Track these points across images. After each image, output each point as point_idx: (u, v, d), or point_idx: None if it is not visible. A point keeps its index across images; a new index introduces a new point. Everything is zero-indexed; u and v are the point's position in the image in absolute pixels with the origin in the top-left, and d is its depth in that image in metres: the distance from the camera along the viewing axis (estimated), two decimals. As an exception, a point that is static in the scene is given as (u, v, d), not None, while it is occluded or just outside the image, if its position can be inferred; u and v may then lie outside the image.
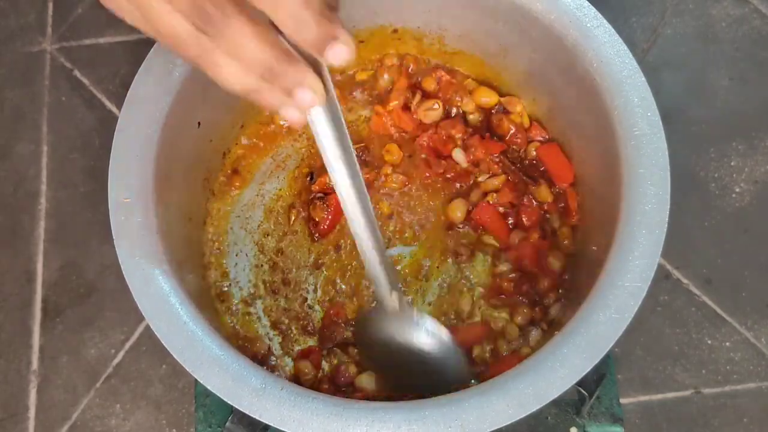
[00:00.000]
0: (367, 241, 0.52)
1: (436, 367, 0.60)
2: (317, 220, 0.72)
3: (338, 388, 0.66)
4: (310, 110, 0.41)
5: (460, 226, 0.72)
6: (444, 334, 0.59)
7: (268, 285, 0.71)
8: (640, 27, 0.92)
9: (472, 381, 0.64)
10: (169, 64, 0.61)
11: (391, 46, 0.76)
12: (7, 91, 0.90)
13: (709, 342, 0.79)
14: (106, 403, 0.77)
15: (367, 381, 0.66)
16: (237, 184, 0.74)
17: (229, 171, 0.74)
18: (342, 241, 0.72)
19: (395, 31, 0.75)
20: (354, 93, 0.77)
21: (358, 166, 0.48)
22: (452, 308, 0.69)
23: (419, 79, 0.76)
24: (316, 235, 0.72)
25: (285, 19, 0.36)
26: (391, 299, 0.57)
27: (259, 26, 0.37)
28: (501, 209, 0.71)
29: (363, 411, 0.50)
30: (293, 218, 0.73)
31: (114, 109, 0.89)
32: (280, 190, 0.74)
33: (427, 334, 0.58)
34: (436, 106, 0.73)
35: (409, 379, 0.63)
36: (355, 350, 0.67)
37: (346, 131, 0.46)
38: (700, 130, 0.87)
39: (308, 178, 0.74)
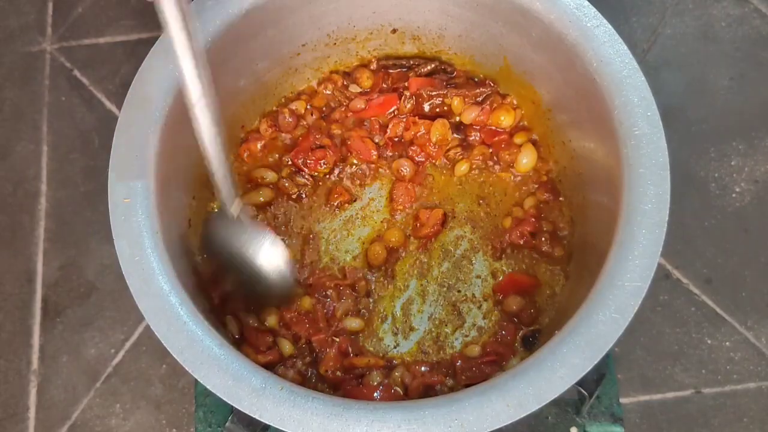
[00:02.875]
0: (211, 150, 0.55)
1: (265, 281, 0.62)
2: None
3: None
4: None
5: None
6: (280, 253, 0.62)
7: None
8: (640, 27, 0.92)
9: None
10: (170, 64, 0.61)
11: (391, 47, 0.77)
12: (7, 91, 0.90)
13: (709, 342, 0.79)
14: (106, 403, 0.77)
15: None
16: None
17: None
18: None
19: (395, 31, 0.75)
20: None
21: (208, 72, 0.51)
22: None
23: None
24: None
25: None
26: (233, 206, 0.60)
27: None
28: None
29: (363, 411, 0.50)
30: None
31: (114, 109, 0.89)
32: (280, 190, 0.75)
33: (262, 249, 0.61)
34: None
35: (242, 285, 0.65)
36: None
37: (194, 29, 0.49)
38: (700, 129, 0.87)
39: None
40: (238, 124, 0.74)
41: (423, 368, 0.66)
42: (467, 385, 0.59)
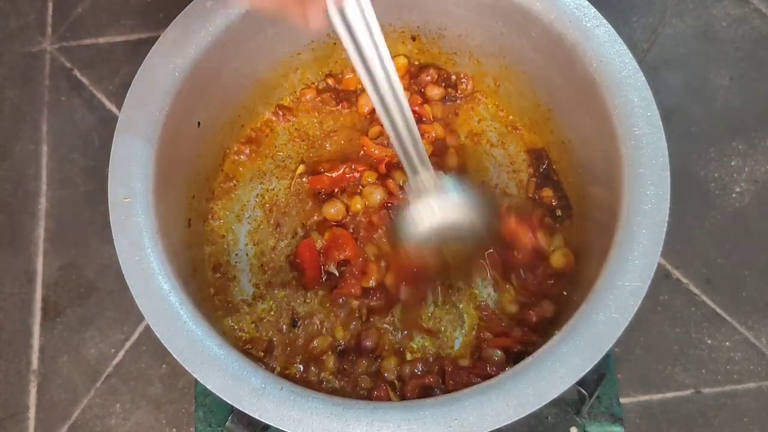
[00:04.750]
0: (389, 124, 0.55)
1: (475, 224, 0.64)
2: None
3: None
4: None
5: None
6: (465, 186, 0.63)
7: (268, 284, 0.71)
8: (640, 27, 0.92)
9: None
10: (170, 63, 0.61)
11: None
12: (7, 91, 0.90)
13: (709, 342, 0.79)
14: (106, 403, 0.77)
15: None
16: (237, 183, 0.74)
17: (229, 171, 0.74)
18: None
19: (394, 31, 0.75)
20: None
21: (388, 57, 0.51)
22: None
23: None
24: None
25: None
26: (426, 177, 0.60)
27: None
28: None
29: (363, 410, 0.50)
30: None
31: (114, 109, 0.89)
32: (280, 190, 0.74)
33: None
34: None
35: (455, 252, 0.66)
36: None
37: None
38: (700, 130, 0.87)
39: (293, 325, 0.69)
40: (238, 124, 0.74)
41: (419, 366, 0.66)
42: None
